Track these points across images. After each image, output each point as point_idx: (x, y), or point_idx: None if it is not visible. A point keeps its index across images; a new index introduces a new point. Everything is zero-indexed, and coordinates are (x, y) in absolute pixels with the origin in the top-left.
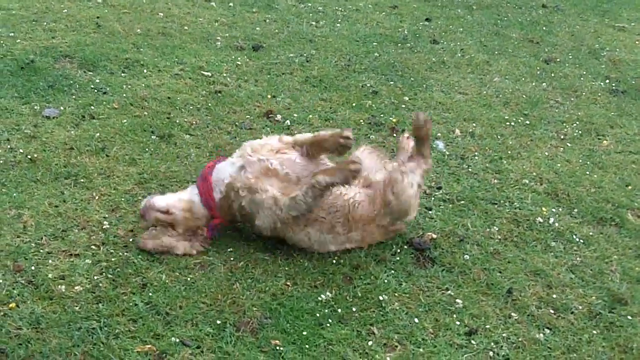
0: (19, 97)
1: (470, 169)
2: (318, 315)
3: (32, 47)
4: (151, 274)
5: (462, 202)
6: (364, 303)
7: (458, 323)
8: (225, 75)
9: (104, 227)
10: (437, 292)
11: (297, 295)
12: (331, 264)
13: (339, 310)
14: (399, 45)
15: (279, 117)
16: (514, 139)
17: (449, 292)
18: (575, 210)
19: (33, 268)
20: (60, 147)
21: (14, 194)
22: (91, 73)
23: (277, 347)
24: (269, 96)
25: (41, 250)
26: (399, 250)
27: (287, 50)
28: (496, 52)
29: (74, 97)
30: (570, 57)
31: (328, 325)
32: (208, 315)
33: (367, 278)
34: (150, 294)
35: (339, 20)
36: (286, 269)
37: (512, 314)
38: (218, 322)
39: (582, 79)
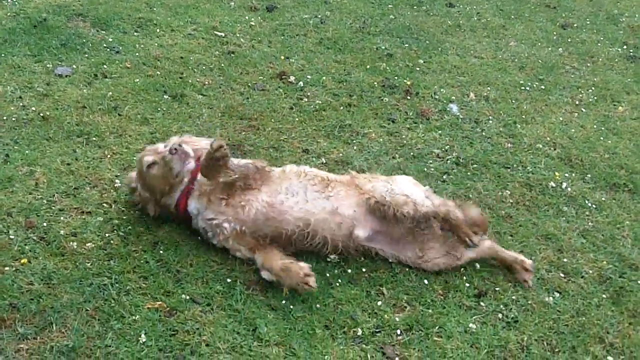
0: (32, 56)
1: (484, 133)
2: (328, 275)
3: (45, 6)
4: (162, 232)
5: (475, 165)
6: (373, 264)
7: (468, 285)
8: (238, 35)
9: (115, 185)
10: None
11: (306, 255)
12: None
13: (349, 270)
14: (415, 7)
15: (292, 78)
16: (529, 103)
17: None
18: (589, 175)
19: (45, 225)
20: (72, 106)
21: (27, 152)
22: (104, 32)
23: (287, 306)
24: (283, 57)
25: (53, 208)
26: None
27: (302, 12)
28: (512, 17)
29: (86, 55)
30: (588, 22)
31: (338, 285)
32: (218, 273)
33: None
34: (161, 252)
35: None
36: None
37: None
38: (228, 280)
39: (599, 44)
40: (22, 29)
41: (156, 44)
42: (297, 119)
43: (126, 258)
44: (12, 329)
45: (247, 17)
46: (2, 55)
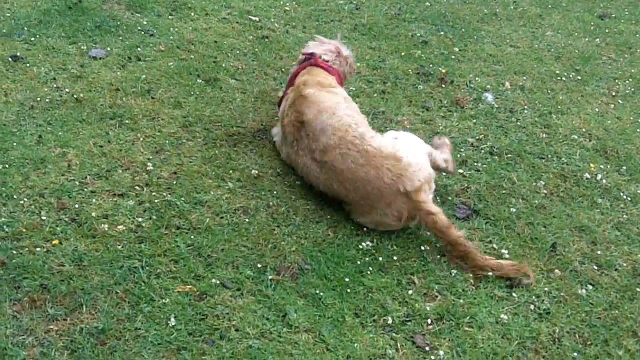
0: (66, 37)
1: (518, 123)
2: (359, 262)
3: None
4: (193, 216)
5: (509, 155)
6: (405, 252)
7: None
8: (272, 20)
9: (147, 168)
10: (480, 244)
11: (338, 242)
12: None
13: (380, 258)
14: None
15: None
16: (565, 94)
17: (492, 244)
18: (624, 167)
19: (77, 206)
20: (106, 88)
21: (60, 133)
22: (138, 15)
23: (317, 293)
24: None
25: (85, 189)
26: (443, 202)
27: None
28: (550, 6)
29: (120, 38)
30: (626, 12)
31: (368, 273)
32: (249, 258)
33: (408, 228)
34: (193, 237)
35: None
36: (328, 217)
37: (555, 269)
38: (259, 265)
39: (637, 35)
40: (57, 10)
41: (190, 28)
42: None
43: (157, 241)
44: (42, 309)
45: (281, 2)
46: (37, 36)
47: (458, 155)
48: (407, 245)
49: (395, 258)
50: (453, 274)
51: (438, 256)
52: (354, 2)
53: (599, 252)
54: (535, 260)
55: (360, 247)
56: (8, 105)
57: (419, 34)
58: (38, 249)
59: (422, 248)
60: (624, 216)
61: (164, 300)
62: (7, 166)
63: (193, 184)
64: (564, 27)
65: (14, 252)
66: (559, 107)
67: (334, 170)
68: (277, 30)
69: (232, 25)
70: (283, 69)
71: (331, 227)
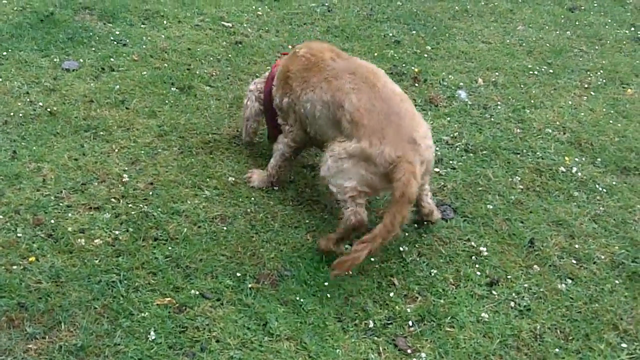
0: (39, 50)
1: (492, 119)
2: None
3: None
4: (171, 226)
5: (485, 152)
6: (384, 254)
7: (479, 274)
8: (245, 25)
9: (123, 180)
10: (459, 242)
11: (316, 247)
12: None
13: None
14: None
15: None
16: (537, 88)
17: (471, 242)
18: (599, 159)
19: (53, 222)
20: (80, 100)
21: (34, 148)
22: (111, 25)
23: (298, 299)
24: (290, 47)
25: (61, 204)
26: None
27: (309, 0)
28: (520, 1)
29: (93, 49)
30: (595, 4)
31: (348, 276)
32: (228, 267)
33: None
34: (170, 247)
35: None
36: (306, 221)
37: (534, 264)
38: (238, 274)
39: (606, 27)
40: (29, 23)
41: (163, 36)
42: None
43: (135, 254)
44: (20, 328)
45: (254, 7)
46: (9, 50)
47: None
48: (386, 247)
49: (374, 260)
50: (433, 274)
51: (417, 257)
52: (326, 4)
53: (577, 246)
54: (514, 256)
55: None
56: None
57: (391, 34)
58: (15, 266)
59: (401, 249)
60: (601, 208)
61: (143, 314)
62: None
63: (170, 193)
64: (535, 21)
65: None
66: (532, 101)
67: None
68: (250, 35)
69: (205, 32)
70: (257, 74)
71: (310, 231)
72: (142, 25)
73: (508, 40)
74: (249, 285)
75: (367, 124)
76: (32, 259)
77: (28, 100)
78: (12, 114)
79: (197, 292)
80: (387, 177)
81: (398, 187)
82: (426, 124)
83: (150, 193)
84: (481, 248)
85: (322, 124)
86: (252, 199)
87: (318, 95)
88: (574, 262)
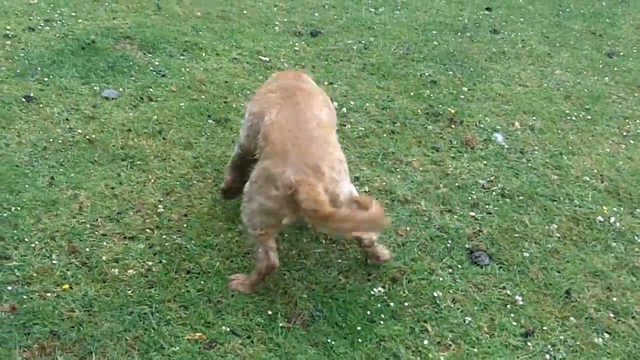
0: (79, 77)
1: (529, 164)
2: (370, 310)
3: (93, 28)
4: (204, 260)
5: (521, 197)
6: (417, 299)
7: (514, 323)
8: (282, 60)
9: (158, 210)
10: (494, 290)
11: (349, 288)
12: None
13: (392, 305)
14: (459, 34)
15: (335, 104)
16: (575, 134)
17: (506, 290)
18: (638, 210)
19: (87, 250)
20: (118, 129)
21: (71, 174)
22: (150, 55)
23: (328, 341)
24: (326, 83)
25: (96, 232)
26: (454, 247)
27: (345, 37)
28: (558, 44)
29: (133, 78)
30: (635, 50)
31: (380, 320)
32: (259, 305)
33: (421, 273)
34: (203, 281)
35: (399, 7)
36: (339, 261)
37: (570, 316)
38: (269, 312)
39: None
40: (70, 50)
41: (201, 68)
42: (340, 146)
43: (167, 286)
44: (52, 357)
45: (291, 42)
46: (51, 76)
47: (469, 198)
48: (419, 291)
49: (407, 304)
50: (467, 322)
51: (451, 303)
52: (363, 41)
53: (614, 299)
54: (549, 306)
55: (372, 293)
56: (21, 146)
57: (427, 74)
58: (49, 293)
59: (435, 294)
60: (639, 260)
61: (173, 349)
62: (19, 208)
63: (203, 226)
64: (573, 66)
65: (25, 296)
66: (570, 147)
67: None
68: (286, 70)
69: (242, 65)
70: None
71: (342, 272)
72: (181, 57)
73: (545, 84)
74: (280, 324)
75: (275, 141)
76: (66, 286)
77: (67, 127)
78: (51, 140)
79: (228, 329)
80: (289, 204)
81: (306, 205)
82: (339, 156)
83: (185, 225)
84: (517, 297)
85: (252, 136)
86: (285, 235)
87: (253, 106)
88: (612, 315)
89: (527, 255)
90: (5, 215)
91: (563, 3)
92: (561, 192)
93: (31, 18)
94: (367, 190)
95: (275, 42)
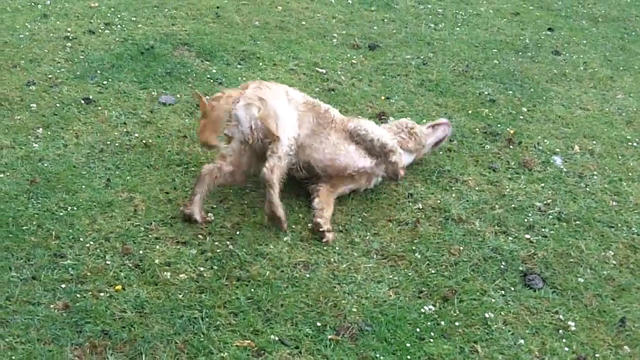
0: (138, 82)
1: (588, 189)
2: (420, 327)
3: (153, 33)
4: (254, 268)
5: (578, 222)
6: (468, 319)
7: (566, 349)
8: (339, 73)
9: (211, 217)
10: (546, 314)
11: (399, 304)
12: (436, 275)
13: (442, 323)
14: (520, 53)
15: (391, 119)
16: (636, 160)
17: (559, 315)
18: None
19: (141, 252)
20: (174, 134)
21: (127, 177)
22: (208, 63)
23: (377, 356)
24: (383, 97)
25: (150, 235)
26: (507, 269)
27: (404, 52)
28: (621, 68)
29: (190, 85)
30: None
31: (430, 338)
32: (308, 315)
33: (473, 293)
34: (253, 289)
35: (459, 24)
36: (390, 276)
37: (624, 345)
38: (318, 324)
39: None
40: (130, 55)
41: (258, 77)
42: None
43: (217, 292)
44: (102, 356)
45: (348, 55)
46: (110, 80)
47: (525, 220)
48: (471, 312)
49: (457, 324)
50: (518, 344)
51: (502, 325)
52: (421, 57)
53: None
54: (603, 334)
55: (422, 310)
56: (79, 147)
57: (486, 92)
58: (101, 293)
59: (486, 315)
60: None
61: (222, 354)
62: (75, 208)
63: (255, 235)
64: (636, 90)
65: (78, 295)
66: (630, 174)
67: None
68: (343, 83)
69: (299, 76)
70: None
71: (392, 287)
72: (238, 66)
73: (607, 109)
74: (329, 337)
75: None
76: (119, 287)
77: (125, 130)
78: (108, 142)
79: (277, 338)
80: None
81: None
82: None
83: (237, 232)
84: (569, 322)
85: None
86: (336, 248)
87: None
88: None
89: (582, 280)
90: (61, 214)
91: (628, 26)
92: (619, 219)
93: (92, 21)
94: (421, 207)
95: (333, 54)
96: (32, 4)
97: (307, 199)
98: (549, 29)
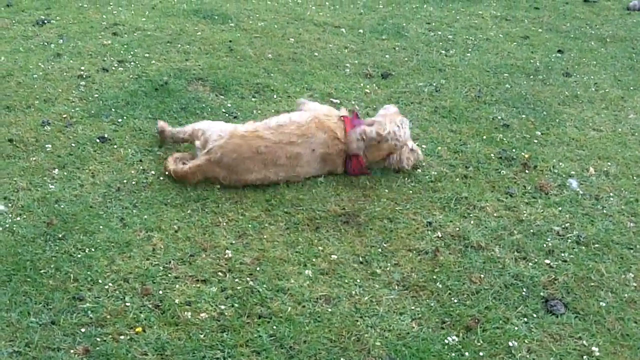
0: (153, 118)
1: (605, 211)
2: (445, 358)
3: (166, 69)
4: (275, 304)
5: (597, 245)
6: (492, 348)
7: None
8: (353, 102)
9: (230, 253)
10: (569, 340)
11: (422, 336)
12: (458, 304)
13: (467, 354)
14: (531, 77)
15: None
16: None
17: (582, 341)
18: None
19: (161, 292)
20: None
21: (145, 216)
22: (222, 97)
23: None
24: None
25: (169, 275)
26: (529, 295)
27: (416, 79)
28: (631, 88)
29: (205, 120)
30: None
31: None
32: (332, 351)
33: (495, 322)
34: (275, 326)
35: (469, 50)
36: (412, 307)
37: None
38: (342, 359)
39: None
40: (144, 91)
41: (273, 110)
42: (411, 190)
43: (239, 331)
44: None
45: (362, 84)
46: (124, 117)
47: (544, 245)
48: (494, 341)
49: (482, 354)
50: None
51: (526, 353)
52: (434, 84)
53: None
54: (627, 358)
55: (446, 341)
56: (95, 187)
57: (500, 117)
58: (122, 336)
59: (510, 344)
60: None
61: None
62: (92, 249)
63: (275, 270)
64: None
65: (98, 339)
66: None
67: None
68: (357, 112)
69: None
70: None
71: (415, 319)
72: (252, 99)
73: (620, 129)
74: None
75: None
76: (139, 329)
77: (141, 168)
78: (125, 180)
79: None
80: None
81: None
82: None
83: (257, 268)
84: (593, 348)
85: None
86: (357, 280)
87: None
88: None
89: (604, 304)
90: (79, 256)
91: (636, 46)
92: (637, 240)
93: (105, 59)
94: (440, 235)
95: (346, 84)
96: (45, 43)
97: (327, 232)
98: (559, 51)
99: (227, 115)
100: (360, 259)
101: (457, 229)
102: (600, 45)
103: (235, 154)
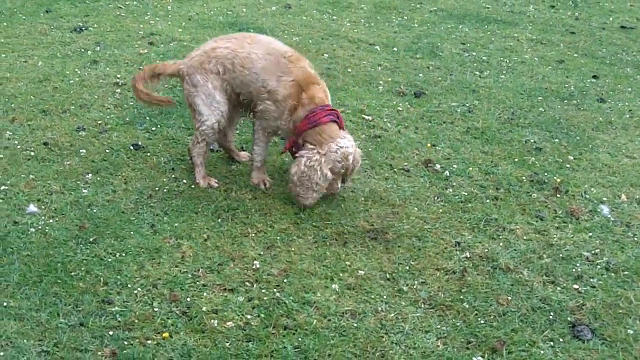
0: (186, 128)
1: (635, 238)
2: None
3: None
4: (301, 316)
5: (626, 272)
6: None
7: None
8: (385, 120)
9: (258, 264)
10: None
11: (447, 355)
12: (485, 325)
13: None
14: (565, 101)
15: (438, 166)
16: None
17: None
18: None
19: (188, 299)
20: (221, 180)
21: (175, 224)
22: None
23: None
24: (429, 145)
25: (197, 282)
26: (556, 319)
27: (449, 99)
28: None
29: (237, 132)
30: None
31: None
32: None
33: (522, 344)
34: (300, 338)
35: (504, 72)
36: (437, 326)
37: None
38: None
39: None
40: (178, 101)
41: None
42: (441, 209)
43: (264, 341)
44: None
45: (394, 102)
46: (158, 126)
47: (573, 270)
48: None
49: None
50: None
51: None
52: (467, 104)
53: None
54: None
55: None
56: (127, 193)
57: (532, 140)
58: (149, 341)
59: None
60: None
61: None
62: (123, 254)
63: (302, 282)
64: None
65: (125, 342)
66: None
67: None
68: (389, 130)
69: (345, 123)
70: (395, 169)
71: (441, 337)
72: None
73: None
74: None
75: None
76: (166, 335)
77: (173, 176)
78: (157, 188)
79: None
80: None
81: None
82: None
83: (284, 280)
84: None
85: None
86: (384, 296)
87: None
88: None
89: (631, 332)
90: (109, 260)
91: None
92: None
93: (141, 68)
94: (468, 256)
95: (379, 102)
96: (82, 50)
97: (355, 247)
98: (594, 77)
99: None
100: (387, 275)
101: (486, 250)
102: (636, 72)
103: None
